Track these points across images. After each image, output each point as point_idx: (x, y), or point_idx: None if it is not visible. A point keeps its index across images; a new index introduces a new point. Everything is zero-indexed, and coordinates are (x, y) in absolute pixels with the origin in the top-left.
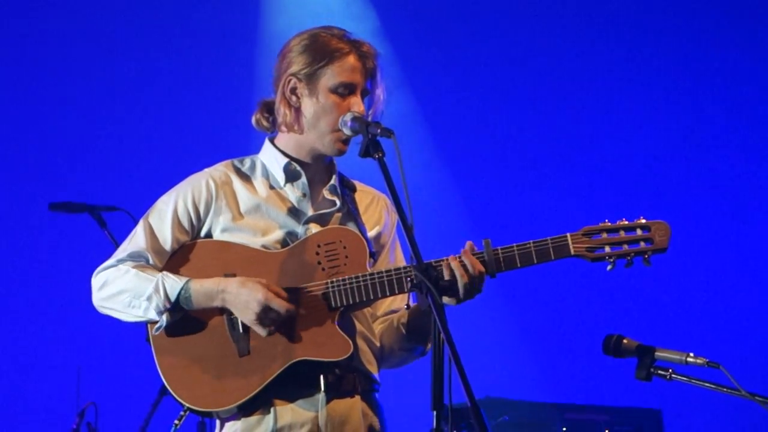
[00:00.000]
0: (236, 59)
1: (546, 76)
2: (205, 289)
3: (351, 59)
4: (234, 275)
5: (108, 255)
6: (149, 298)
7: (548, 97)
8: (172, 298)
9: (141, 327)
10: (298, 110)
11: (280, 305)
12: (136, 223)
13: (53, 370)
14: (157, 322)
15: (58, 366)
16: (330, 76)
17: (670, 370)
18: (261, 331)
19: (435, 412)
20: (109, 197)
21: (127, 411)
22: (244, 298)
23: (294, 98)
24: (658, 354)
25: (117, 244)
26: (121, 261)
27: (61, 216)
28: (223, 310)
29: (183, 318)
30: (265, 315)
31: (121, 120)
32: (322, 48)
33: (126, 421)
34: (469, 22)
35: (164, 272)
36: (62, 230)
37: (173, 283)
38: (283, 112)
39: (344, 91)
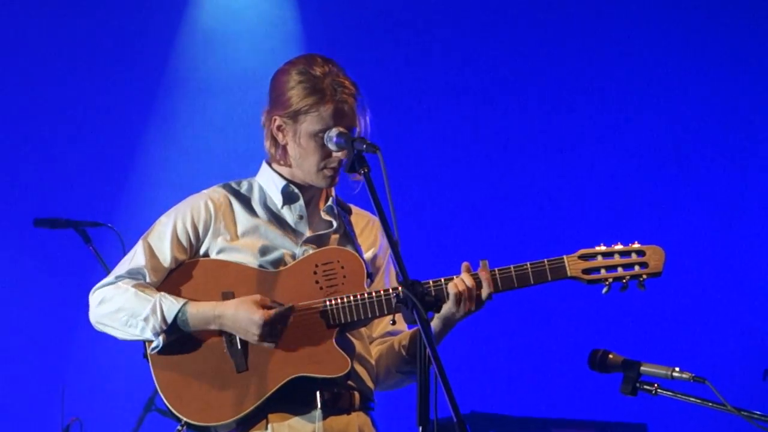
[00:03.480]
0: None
1: (536, 91)
2: (201, 313)
3: (329, 106)
4: (232, 294)
5: (93, 271)
6: (146, 319)
7: (541, 115)
8: (169, 320)
9: (129, 343)
10: (284, 147)
11: (278, 317)
12: (121, 239)
13: (38, 385)
14: (153, 341)
15: (43, 381)
16: (310, 123)
17: (656, 385)
18: (269, 346)
19: (421, 428)
20: (93, 213)
21: (111, 427)
22: (243, 324)
23: (280, 135)
24: (644, 369)
25: (103, 261)
26: (119, 278)
27: (45, 232)
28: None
29: (182, 334)
30: (269, 332)
31: (105, 135)
32: (304, 92)
33: None
34: (457, 24)
35: (162, 293)
36: (47, 246)
37: (170, 305)
38: (268, 147)
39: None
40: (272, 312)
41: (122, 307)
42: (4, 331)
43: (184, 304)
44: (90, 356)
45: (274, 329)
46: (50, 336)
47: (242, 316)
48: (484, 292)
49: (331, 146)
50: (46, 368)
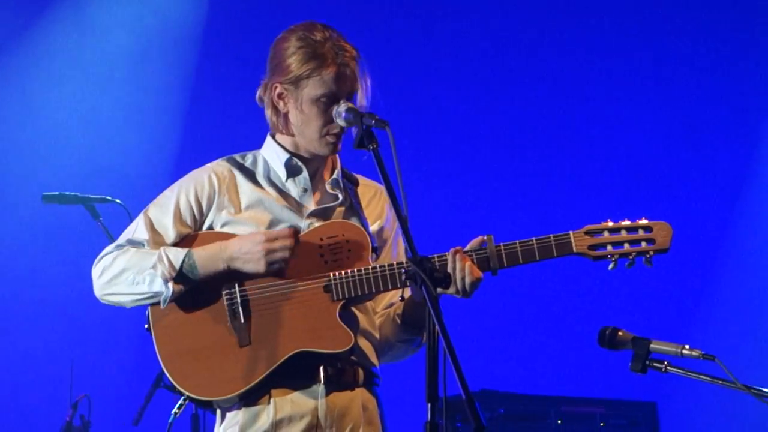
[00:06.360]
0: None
1: (546, 71)
2: (207, 253)
3: (331, 70)
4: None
5: (102, 246)
6: (154, 267)
7: (549, 94)
8: (177, 265)
9: (137, 318)
10: (286, 115)
11: (279, 233)
12: (129, 214)
13: (47, 362)
14: (159, 304)
15: (52, 358)
16: (312, 88)
17: (666, 363)
18: (277, 268)
19: (429, 405)
20: (101, 188)
21: (120, 403)
22: (246, 249)
23: (281, 103)
24: (653, 346)
25: (110, 236)
26: (119, 247)
27: (53, 207)
28: (224, 298)
29: (184, 307)
30: (273, 252)
31: (113, 110)
32: (304, 58)
33: (119, 413)
34: (468, 13)
35: (164, 246)
36: (55, 222)
37: (176, 253)
38: (270, 116)
39: (327, 101)
40: (273, 231)
41: (126, 267)
42: (15, 308)
43: (189, 250)
44: (99, 333)
45: (275, 246)
46: (59, 312)
47: (245, 242)
48: (468, 278)
49: (340, 121)
50: (56, 345)
